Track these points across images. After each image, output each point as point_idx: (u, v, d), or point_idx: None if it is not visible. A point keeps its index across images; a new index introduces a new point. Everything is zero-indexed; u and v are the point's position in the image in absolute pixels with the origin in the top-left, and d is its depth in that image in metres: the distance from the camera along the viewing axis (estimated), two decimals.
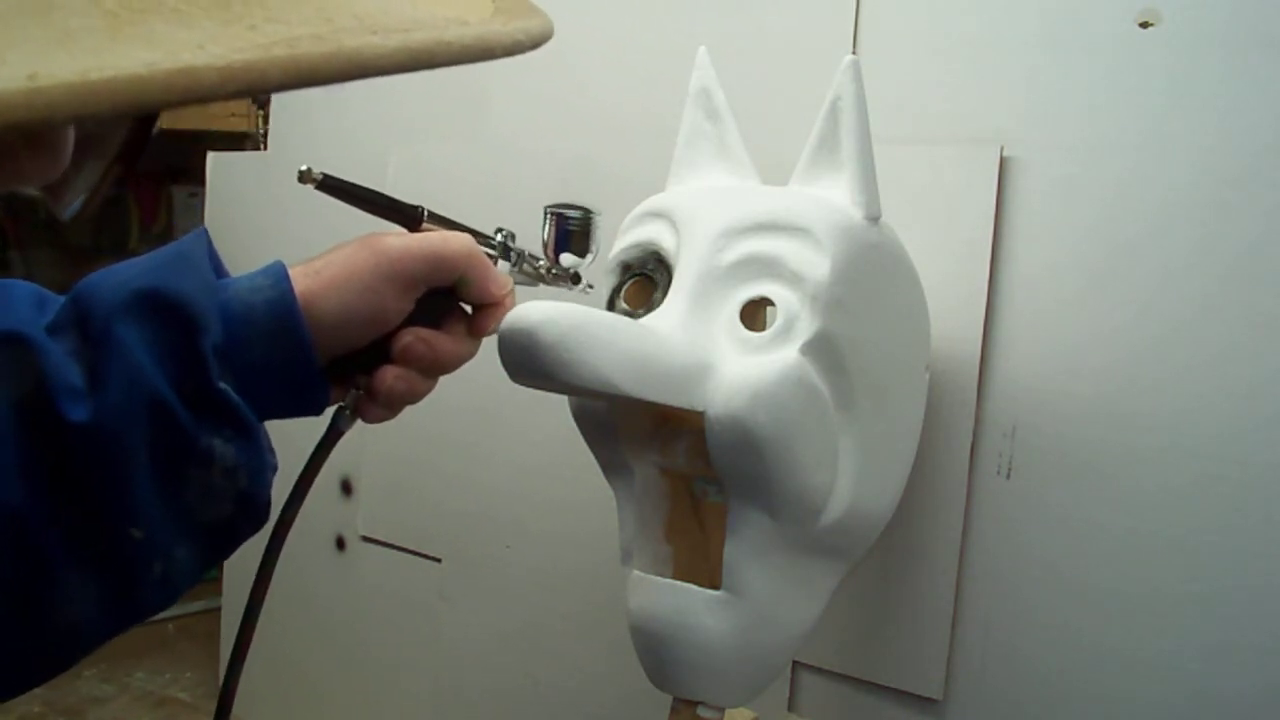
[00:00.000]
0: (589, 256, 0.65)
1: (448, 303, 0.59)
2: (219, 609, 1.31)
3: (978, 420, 0.77)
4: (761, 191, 0.72)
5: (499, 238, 0.63)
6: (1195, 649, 0.70)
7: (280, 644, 1.23)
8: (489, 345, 0.62)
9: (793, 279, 0.64)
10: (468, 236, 0.59)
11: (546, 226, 0.64)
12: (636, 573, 0.70)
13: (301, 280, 0.54)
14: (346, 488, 1.15)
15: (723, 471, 0.65)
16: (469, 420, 1.04)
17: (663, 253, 0.69)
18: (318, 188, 0.58)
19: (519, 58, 1.15)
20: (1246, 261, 0.69)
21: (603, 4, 0.99)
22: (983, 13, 0.79)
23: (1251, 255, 0.69)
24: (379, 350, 0.58)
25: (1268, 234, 0.68)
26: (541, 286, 0.66)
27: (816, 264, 0.64)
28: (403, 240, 0.56)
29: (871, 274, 0.67)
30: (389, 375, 0.57)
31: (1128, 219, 0.73)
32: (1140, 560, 0.71)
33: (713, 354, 0.64)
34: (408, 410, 1.15)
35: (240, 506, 0.52)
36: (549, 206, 0.64)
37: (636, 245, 0.70)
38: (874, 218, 0.68)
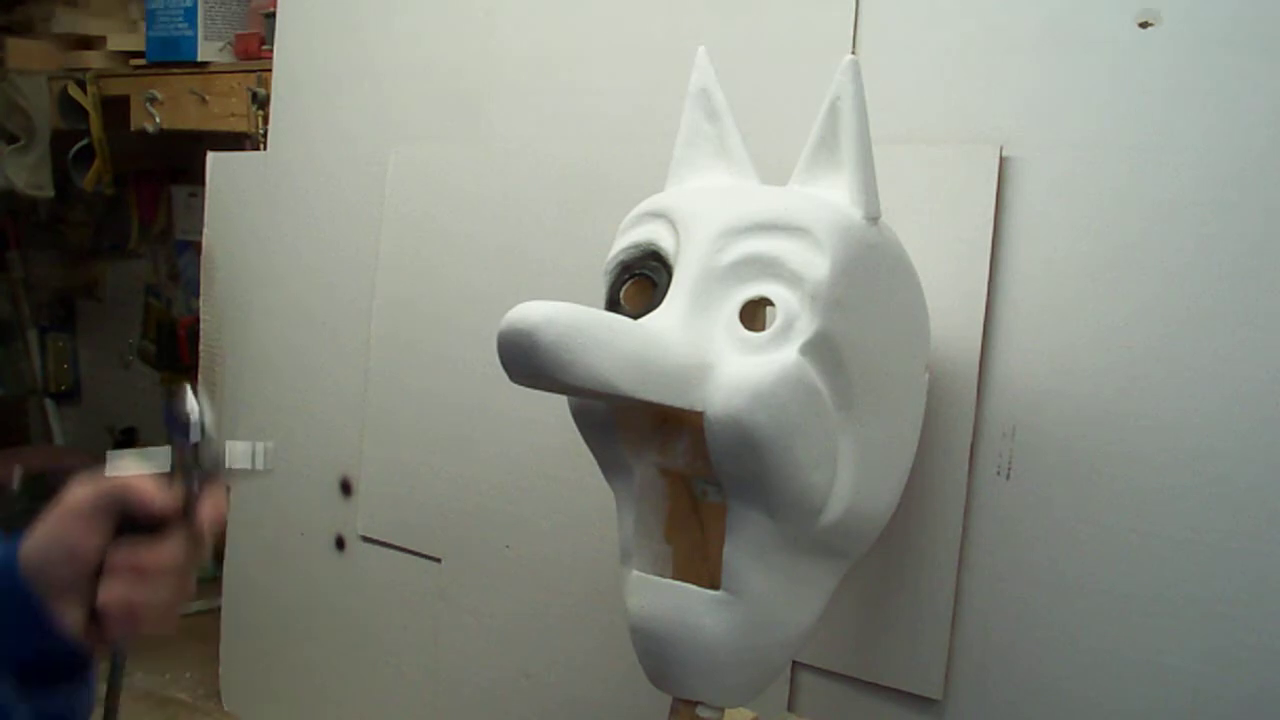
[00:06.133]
0: (200, 433, 0.67)
1: (148, 522, 0.64)
2: (219, 609, 1.31)
3: (977, 420, 0.77)
4: (761, 191, 0.72)
5: (169, 451, 0.67)
6: (1195, 650, 0.70)
7: (280, 644, 1.23)
8: (490, 347, 0.62)
9: (792, 279, 0.64)
10: (125, 474, 0.64)
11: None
12: (636, 573, 0.70)
13: (23, 545, 0.63)
14: (346, 488, 1.15)
15: (722, 472, 0.65)
16: (469, 420, 1.04)
17: (662, 252, 0.69)
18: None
19: (518, 57, 1.15)
20: (1246, 261, 0.69)
21: (603, 5, 0.99)
22: (983, 13, 0.79)
23: (1251, 255, 0.69)
24: None
25: (1268, 234, 0.68)
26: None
27: (816, 264, 0.64)
28: (77, 485, 0.64)
29: (871, 274, 0.67)
30: (101, 592, 0.63)
31: (1128, 219, 0.73)
32: (1140, 561, 0.71)
33: (712, 354, 0.64)
34: (407, 410, 1.15)
35: None
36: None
37: (636, 245, 0.70)
38: (873, 218, 0.68)
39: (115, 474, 0.64)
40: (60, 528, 0.63)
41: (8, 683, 0.62)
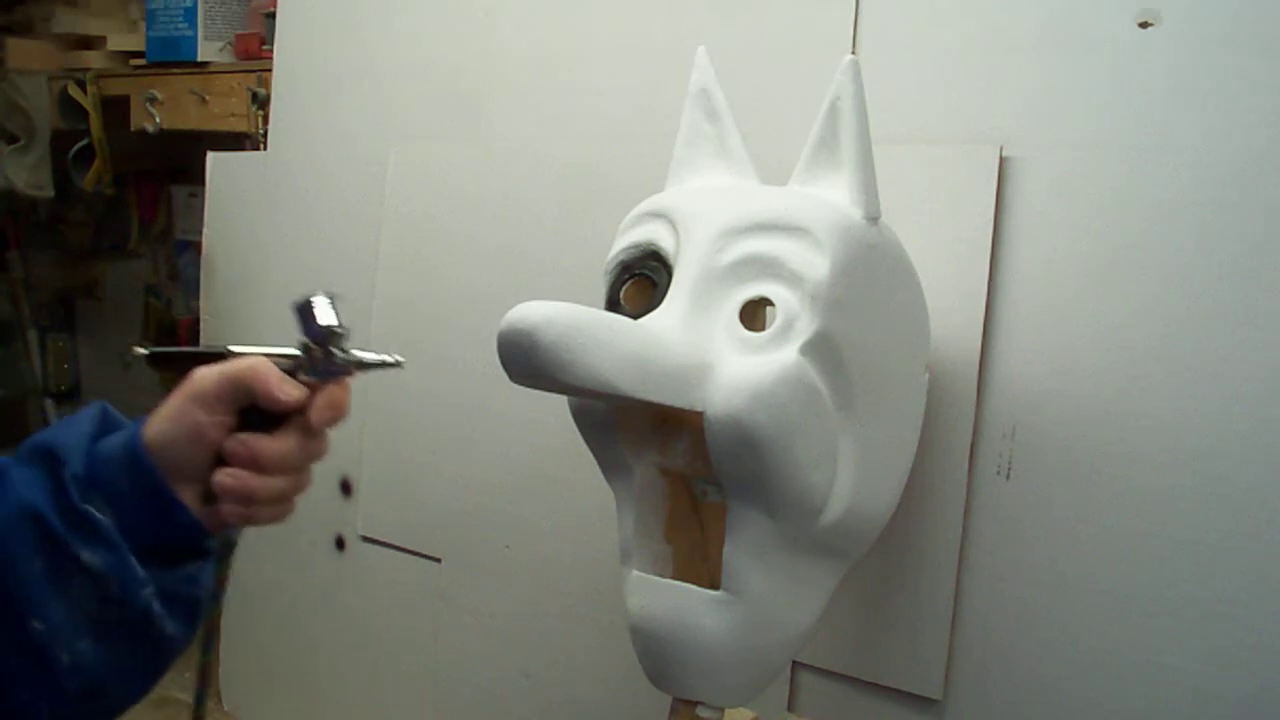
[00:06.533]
0: (340, 332, 0.67)
1: (271, 412, 0.66)
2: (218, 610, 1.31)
3: (978, 420, 0.77)
4: (761, 191, 0.72)
5: (297, 347, 0.67)
6: (1195, 650, 0.70)
7: (280, 644, 1.23)
8: (490, 347, 0.62)
9: (792, 279, 0.64)
10: (254, 358, 0.66)
11: (296, 318, 0.67)
12: (636, 573, 0.70)
13: (147, 425, 0.65)
14: (346, 488, 1.15)
15: (722, 472, 0.65)
16: (469, 420, 1.04)
17: (662, 252, 0.69)
18: (148, 362, 0.68)
19: (518, 57, 1.15)
20: (1246, 261, 0.69)
21: (603, 5, 0.99)
22: (983, 13, 0.79)
23: (1251, 255, 0.69)
24: None
25: (1268, 234, 0.68)
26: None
27: (816, 264, 0.64)
28: (204, 369, 0.65)
29: (871, 274, 0.67)
30: (218, 474, 0.65)
31: (1128, 219, 0.73)
32: (1140, 561, 0.71)
33: (712, 354, 0.64)
34: (407, 410, 1.15)
35: (121, 610, 0.63)
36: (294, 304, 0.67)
37: (636, 245, 0.70)
38: (873, 218, 0.68)
39: (243, 360, 0.65)
40: (185, 410, 0.64)
41: (134, 560, 0.63)
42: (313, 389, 0.66)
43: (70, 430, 0.65)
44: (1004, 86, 0.78)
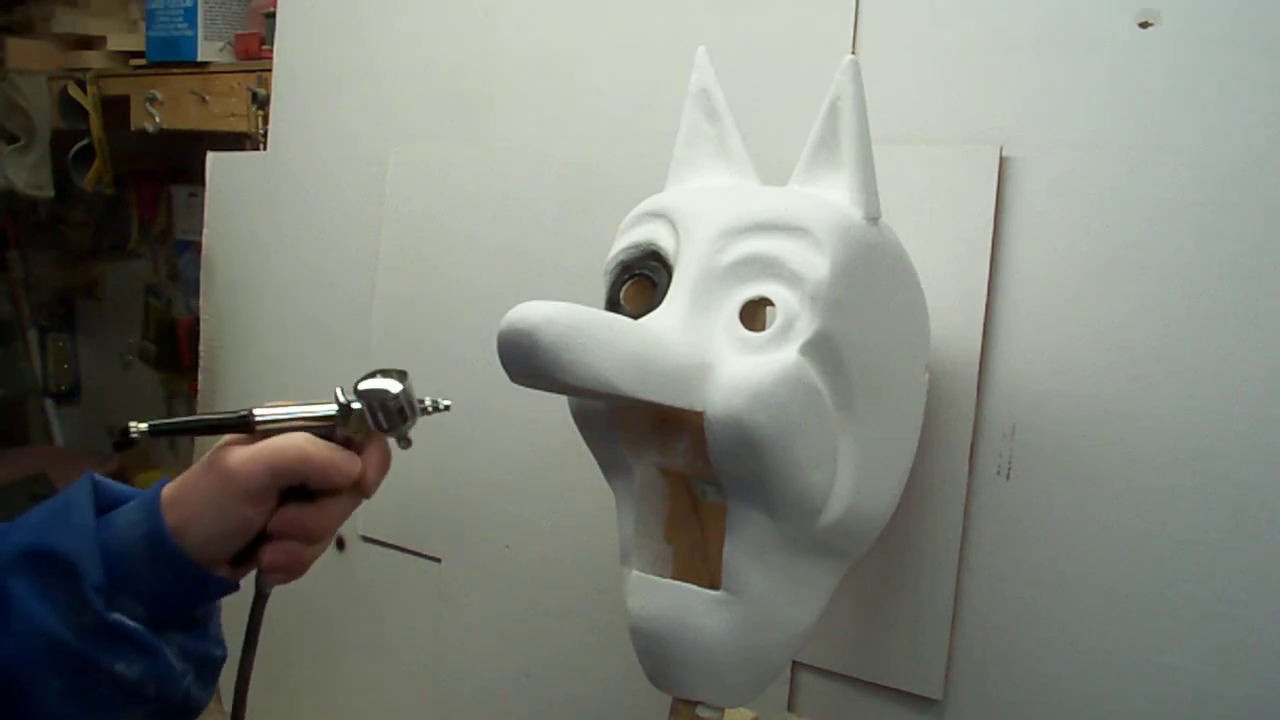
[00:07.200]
0: (412, 421, 0.67)
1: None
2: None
3: (977, 420, 0.77)
4: (761, 191, 0.72)
5: (342, 399, 0.65)
6: (1195, 650, 0.70)
7: (280, 644, 1.22)
8: (490, 347, 0.62)
9: (792, 279, 0.64)
10: (299, 441, 0.63)
11: (366, 411, 0.65)
12: (636, 573, 0.70)
13: (170, 512, 0.62)
14: None
15: (722, 472, 0.65)
16: (469, 420, 1.04)
17: (662, 253, 0.69)
18: (151, 436, 0.63)
19: (518, 57, 1.15)
20: (1246, 261, 0.69)
21: (603, 5, 0.99)
22: (983, 13, 0.79)
23: (1251, 255, 0.69)
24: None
25: (1268, 234, 0.68)
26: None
27: (816, 264, 0.64)
28: (241, 457, 0.62)
29: (871, 274, 0.67)
30: (268, 552, 0.65)
31: (1128, 219, 0.73)
32: (1140, 561, 0.71)
33: (712, 354, 0.64)
34: None
35: (158, 705, 0.62)
36: (359, 388, 0.65)
37: (635, 245, 0.70)
38: (873, 218, 0.68)
39: (281, 439, 0.63)
40: (228, 506, 0.62)
41: (171, 656, 0.62)
42: (352, 443, 0.65)
43: (71, 527, 0.61)
44: (1004, 86, 0.78)
